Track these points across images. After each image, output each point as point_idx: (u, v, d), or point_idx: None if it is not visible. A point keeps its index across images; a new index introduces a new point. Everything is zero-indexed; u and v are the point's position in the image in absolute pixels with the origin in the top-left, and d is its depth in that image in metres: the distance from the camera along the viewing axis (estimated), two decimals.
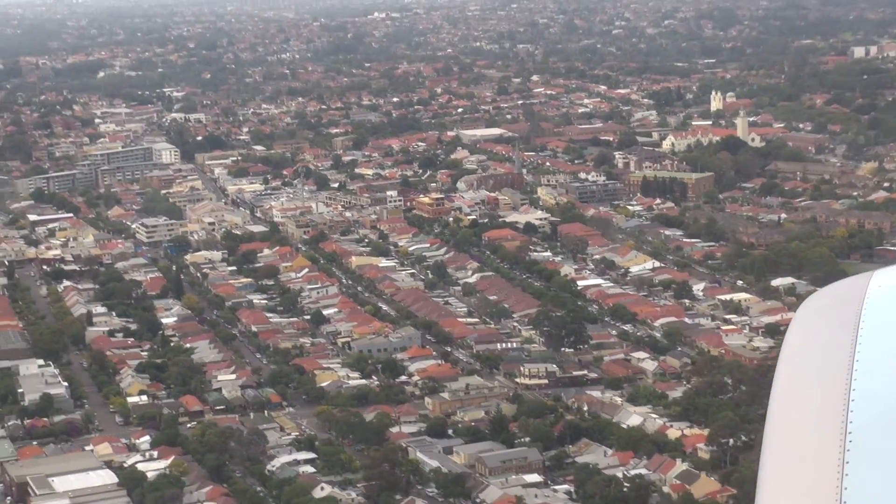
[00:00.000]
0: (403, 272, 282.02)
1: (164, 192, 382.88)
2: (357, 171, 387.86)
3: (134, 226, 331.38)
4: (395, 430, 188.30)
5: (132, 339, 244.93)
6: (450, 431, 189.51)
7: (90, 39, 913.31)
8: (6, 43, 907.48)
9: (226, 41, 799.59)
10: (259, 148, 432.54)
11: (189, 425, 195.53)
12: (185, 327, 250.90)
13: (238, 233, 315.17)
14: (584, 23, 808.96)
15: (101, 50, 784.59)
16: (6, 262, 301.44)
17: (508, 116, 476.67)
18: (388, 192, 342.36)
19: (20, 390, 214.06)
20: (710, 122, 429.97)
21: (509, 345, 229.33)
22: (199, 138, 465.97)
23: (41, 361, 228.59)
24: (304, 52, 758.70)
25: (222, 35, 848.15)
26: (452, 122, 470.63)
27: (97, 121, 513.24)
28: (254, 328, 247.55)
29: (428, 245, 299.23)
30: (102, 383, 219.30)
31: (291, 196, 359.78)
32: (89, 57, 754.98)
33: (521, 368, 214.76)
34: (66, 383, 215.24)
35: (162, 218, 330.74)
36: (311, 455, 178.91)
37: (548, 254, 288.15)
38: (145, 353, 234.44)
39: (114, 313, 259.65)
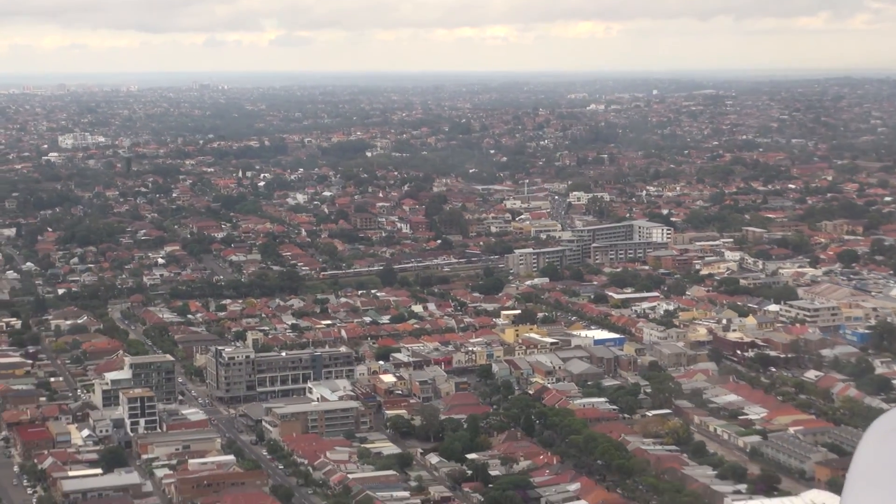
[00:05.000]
0: None
1: (701, 273, 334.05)
2: None
3: (776, 308, 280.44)
4: None
5: None
6: None
7: (297, 121, 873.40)
8: (209, 123, 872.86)
9: (478, 126, 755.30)
10: (753, 230, 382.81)
11: None
12: None
13: None
14: (833, 119, 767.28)
15: (356, 130, 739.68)
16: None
17: None
18: None
19: None
20: None
21: None
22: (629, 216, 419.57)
23: None
24: (562, 139, 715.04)
25: (443, 121, 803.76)
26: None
27: (495, 197, 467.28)
28: None
29: None
30: None
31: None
32: (349, 137, 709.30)
33: None
34: None
35: (815, 301, 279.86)
36: None
37: None
38: None
39: None
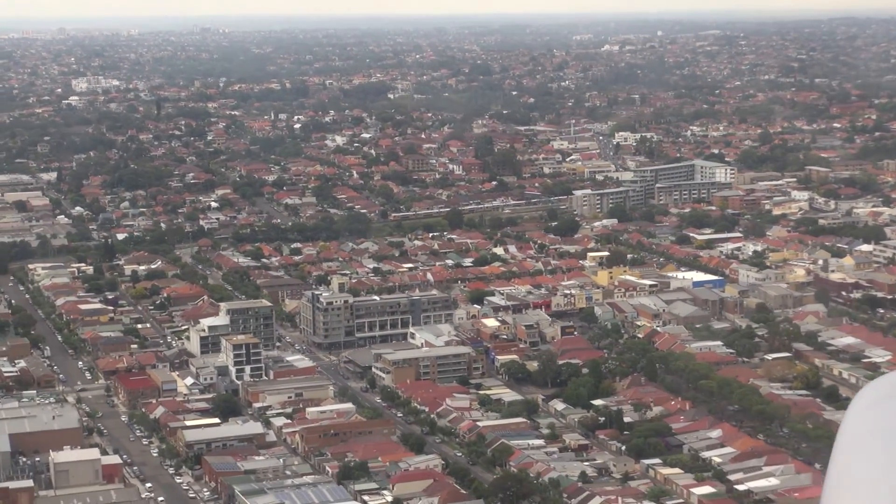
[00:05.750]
0: None
1: (774, 213, 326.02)
2: None
3: (871, 248, 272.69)
4: None
5: None
6: None
7: (308, 64, 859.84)
8: (219, 66, 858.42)
9: (498, 67, 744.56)
10: (817, 169, 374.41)
11: None
12: None
13: None
14: (851, 59, 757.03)
15: (375, 72, 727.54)
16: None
17: None
18: None
19: None
20: None
21: None
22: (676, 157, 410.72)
23: None
24: (582, 80, 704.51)
25: (457, 63, 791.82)
26: None
27: (539, 138, 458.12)
28: None
29: None
30: None
31: None
32: (370, 79, 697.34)
33: None
34: None
35: None
36: None
37: None
38: None
39: None
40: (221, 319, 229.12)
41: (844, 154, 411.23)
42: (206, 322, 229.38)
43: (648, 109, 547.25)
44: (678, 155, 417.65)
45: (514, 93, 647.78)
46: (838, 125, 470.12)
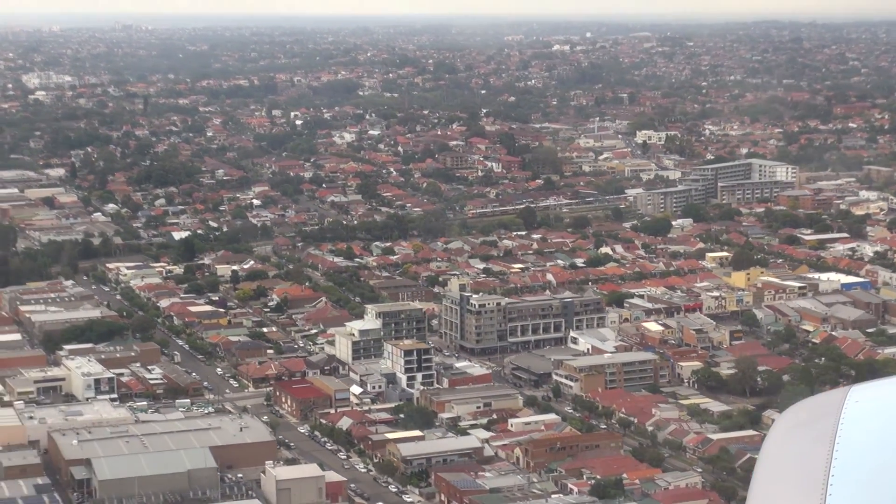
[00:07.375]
0: None
1: (856, 212, 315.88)
2: None
3: None
4: None
5: None
6: None
7: (254, 62, 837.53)
8: (163, 64, 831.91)
9: (462, 66, 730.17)
10: (877, 168, 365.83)
11: None
12: None
13: None
14: (808, 61, 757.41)
15: (341, 69, 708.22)
16: None
17: None
18: None
19: None
20: None
21: None
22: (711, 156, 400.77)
23: None
24: (548, 78, 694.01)
25: (412, 62, 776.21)
26: None
27: (560, 136, 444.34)
28: None
29: None
30: None
31: None
32: (336, 76, 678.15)
33: None
34: None
35: None
36: None
37: None
38: None
39: None
40: (371, 323, 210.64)
41: (876, 154, 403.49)
42: (356, 325, 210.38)
43: (638, 108, 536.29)
44: (708, 154, 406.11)
45: (483, 91, 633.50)
46: (854, 125, 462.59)
